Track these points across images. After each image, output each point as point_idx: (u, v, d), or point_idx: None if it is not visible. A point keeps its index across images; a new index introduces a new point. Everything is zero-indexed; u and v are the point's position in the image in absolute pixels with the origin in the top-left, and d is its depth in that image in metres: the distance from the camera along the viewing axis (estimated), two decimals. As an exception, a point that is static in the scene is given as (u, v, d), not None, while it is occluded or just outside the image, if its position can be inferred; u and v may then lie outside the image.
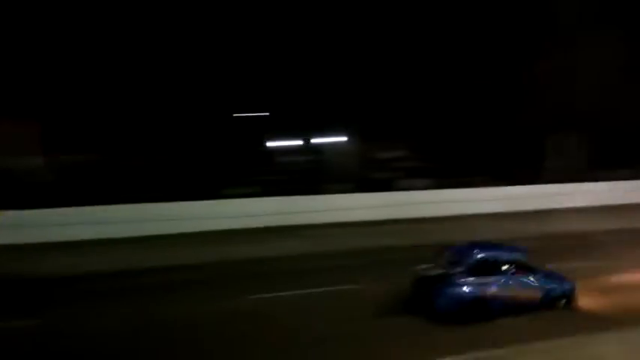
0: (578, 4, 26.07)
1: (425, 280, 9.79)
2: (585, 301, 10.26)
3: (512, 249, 10.25)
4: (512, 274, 9.66)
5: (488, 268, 9.56)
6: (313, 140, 25.99)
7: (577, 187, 22.18)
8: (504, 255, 9.87)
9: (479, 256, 9.63)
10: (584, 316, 9.70)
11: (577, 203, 21.18)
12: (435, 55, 28.92)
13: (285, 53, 25.08)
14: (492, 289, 9.40)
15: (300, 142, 25.73)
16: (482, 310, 9.27)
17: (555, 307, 9.87)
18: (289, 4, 24.58)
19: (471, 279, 9.38)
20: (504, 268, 9.66)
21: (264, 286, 11.78)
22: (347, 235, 17.38)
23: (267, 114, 25.91)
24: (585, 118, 26.92)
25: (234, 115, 26.13)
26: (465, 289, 9.33)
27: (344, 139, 26.53)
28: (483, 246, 10.17)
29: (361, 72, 26.16)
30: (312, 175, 23.28)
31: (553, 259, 13.19)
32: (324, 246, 15.97)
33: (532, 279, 9.81)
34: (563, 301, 9.99)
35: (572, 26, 26.46)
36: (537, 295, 9.75)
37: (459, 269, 9.47)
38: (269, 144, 25.21)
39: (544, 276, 10.00)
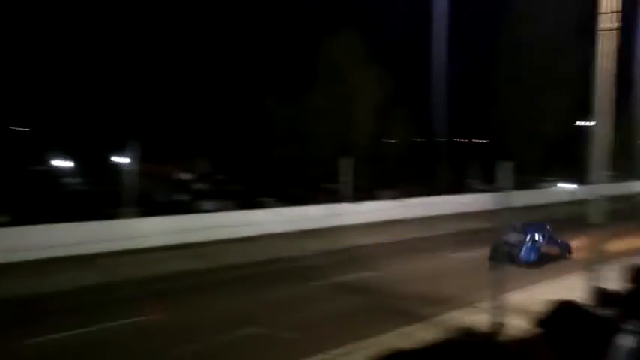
0: (346, 45, 30.01)
1: (507, 243, 14.02)
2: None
3: (545, 225, 17.46)
4: (549, 238, 16.83)
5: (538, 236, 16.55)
6: (106, 160, 23.90)
7: (353, 207, 24.94)
8: (544, 228, 17.07)
9: (534, 229, 16.71)
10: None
11: (353, 221, 23.83)
12: (228, 80, 29.85)
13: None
14: (544, 248, 16.51)
15: (85, 163, 23.35)
16: (542, 259, 16.20)
17: (565, 258, 16.95)
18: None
19: (536, 242, 16.31)
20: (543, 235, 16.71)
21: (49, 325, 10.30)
22: (138, 263, 16.28)
23: (34, 129, 22.92)
24: (358, 146, 30.87)
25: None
26: (536, 248, 16.28)
27: (136, 160, 24.96)
28: (532, 224, 17.54)
29: (155, 93, 25.31)
30: (101, 198, 21.29)
31: (337, 271, 14.87)
32: (113, 276, 14.65)
33: (557, 241, 17.19)
34: (568, 254, 17.20)
35: (342, 65, 30.25)
36: (557, 251, 17.07)
37: (525, 237, 16.13)
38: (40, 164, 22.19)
39: (558, 240, 17.28)
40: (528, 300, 10.25)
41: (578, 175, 27.34)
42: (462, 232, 21.85)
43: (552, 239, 17.10)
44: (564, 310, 3.24)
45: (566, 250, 17.35)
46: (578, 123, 36.04)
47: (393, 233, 22.03)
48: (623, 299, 5.32)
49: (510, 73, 36.34)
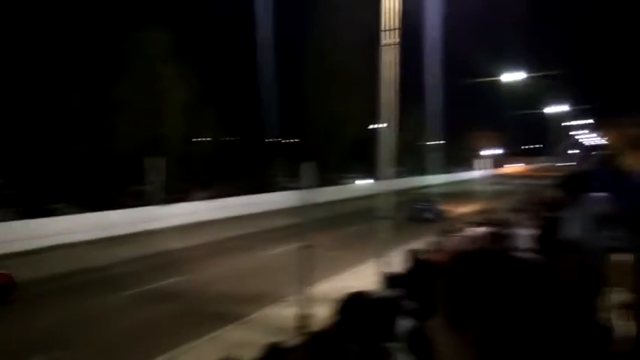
0: (156, 39, 28.35)
1: (418, 209, 26.21)
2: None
3: (431, 200, 28.59)
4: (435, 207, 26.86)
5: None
6: None
7: (165, 210, 23.79)
8: (433, 202, 27.82)
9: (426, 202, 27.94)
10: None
11: (165, 224, 22.74)
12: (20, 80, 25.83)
13: None
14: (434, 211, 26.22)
15: None
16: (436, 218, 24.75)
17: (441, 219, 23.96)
18: None
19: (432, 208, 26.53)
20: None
21: None
22: None
23: None
24: (168, 144, 29.47)
25: None
26: (434, 211, 26.28)
27: None
28: (426, 200, 28.63)
29: None
30: None
31: (149, 278, 13.98)
32: None
33: (435, 207, 26.69)
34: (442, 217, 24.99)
35: (151, 60, 28.47)
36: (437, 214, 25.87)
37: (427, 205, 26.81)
38: None
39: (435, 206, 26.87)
40: (332, 290, 11.03)
41: (374, 172, 30.74)
42: (273, 230, 22.58)
43: (436, 208, 26.68)
44: (354, 299, 3.54)
45: (441, 214, 25.66)
46: (371, 126, 40.37)
47: (207, 234, 21.67)
48: (404, 281, 6.06)
49: (317, 77, 38.78)
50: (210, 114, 33.62)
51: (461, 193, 35.90)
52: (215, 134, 35.81)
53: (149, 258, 17.28)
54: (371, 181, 36.85)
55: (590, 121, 58.73)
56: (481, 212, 17.61)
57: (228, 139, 39.76)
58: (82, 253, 17.67)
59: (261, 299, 12.02)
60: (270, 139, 39.36)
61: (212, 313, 11.19)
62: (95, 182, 27.02)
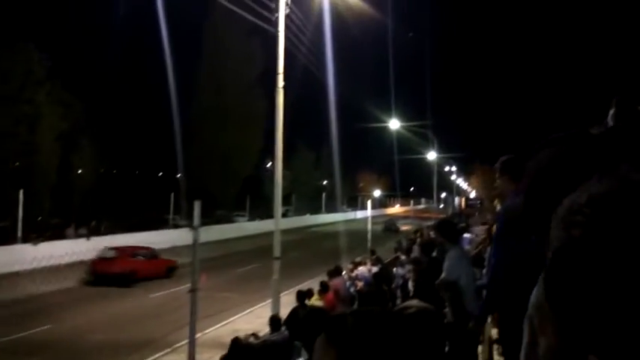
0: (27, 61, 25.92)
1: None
2: None
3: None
4: None
5: None
6: None
7: (32, 249, 21.31)
8: None
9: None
10: None
11: (35, 265, 20.29)
12: None
13: None
14: None
15: None
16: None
17: None
18: None
19: None
20: None
21: None
22: None
23: None
24: (38, 175, 26.87)
25: None
26: None
27: None
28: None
29: None
30: None
31: (15, 327, 12.31)
32: None
33: None
34: None
35: (20, 82, 25.94)
36: None
37: None
38: None
39: None
40: (223, 334, 10.66)
41: (267, 211, 30.65)
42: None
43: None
44: (235, 346, 3.48)
45: None
46: (269, 164, 40.50)
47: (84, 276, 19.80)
48: (291, 321, 6.09)
49: (212, 113, 38.16)
50: (93, 145, 31.50)
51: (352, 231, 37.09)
52: (98, 166, 33.47)
53: (16, 303, 15.30)
54: (261, 220, 36.64)
55: (455, 168, 65.24)
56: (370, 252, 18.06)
57: (114, 171, 37.36)
58: None
59: (149, 345, 11.17)
60: (161, 174, 37.79)
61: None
62: None
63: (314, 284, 10.85)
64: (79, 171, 32.63)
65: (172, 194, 31.06)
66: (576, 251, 0.61)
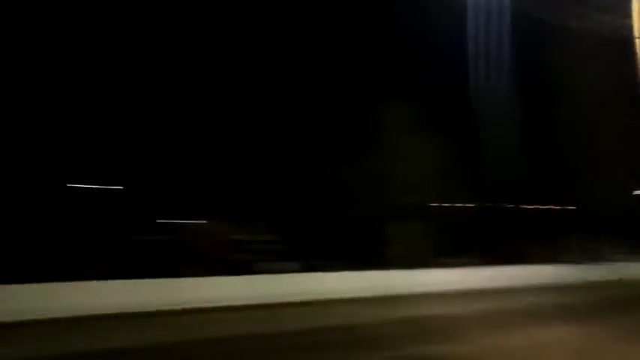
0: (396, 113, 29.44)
1: None
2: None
3: None
4: None
5: None
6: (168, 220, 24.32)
7: (424, 273, 23.49)
8: None
9: None
10: None
11: (427, 289, 22.28)
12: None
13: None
14: None
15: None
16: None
17: None
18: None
19: None
20: None
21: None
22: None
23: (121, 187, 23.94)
24: (426, 210, 29.70)
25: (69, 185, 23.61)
26: None
27: (201, 220, 25.40)
28: None
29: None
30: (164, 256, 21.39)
31: (411, 343, 13.23)
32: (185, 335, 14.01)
33: None
34: None
35: (392, 130, 29.64)
36: None
37: None
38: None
39: None
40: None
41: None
42: (546, 307, 19.72)
43: None
44: None
45: None
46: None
47: (479, 303, 20.28)
48: None
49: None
50: (466, 179, 32.80)
51: None
52: (475, 200, 34.74)
53: (415, 321, 16.86)
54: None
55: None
56: None
57: (486, 205, 37.94)
58: (356, 309, 18.39)
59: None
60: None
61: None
62: (343, 243, 28.86)
63: None
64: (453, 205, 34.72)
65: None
66: None
